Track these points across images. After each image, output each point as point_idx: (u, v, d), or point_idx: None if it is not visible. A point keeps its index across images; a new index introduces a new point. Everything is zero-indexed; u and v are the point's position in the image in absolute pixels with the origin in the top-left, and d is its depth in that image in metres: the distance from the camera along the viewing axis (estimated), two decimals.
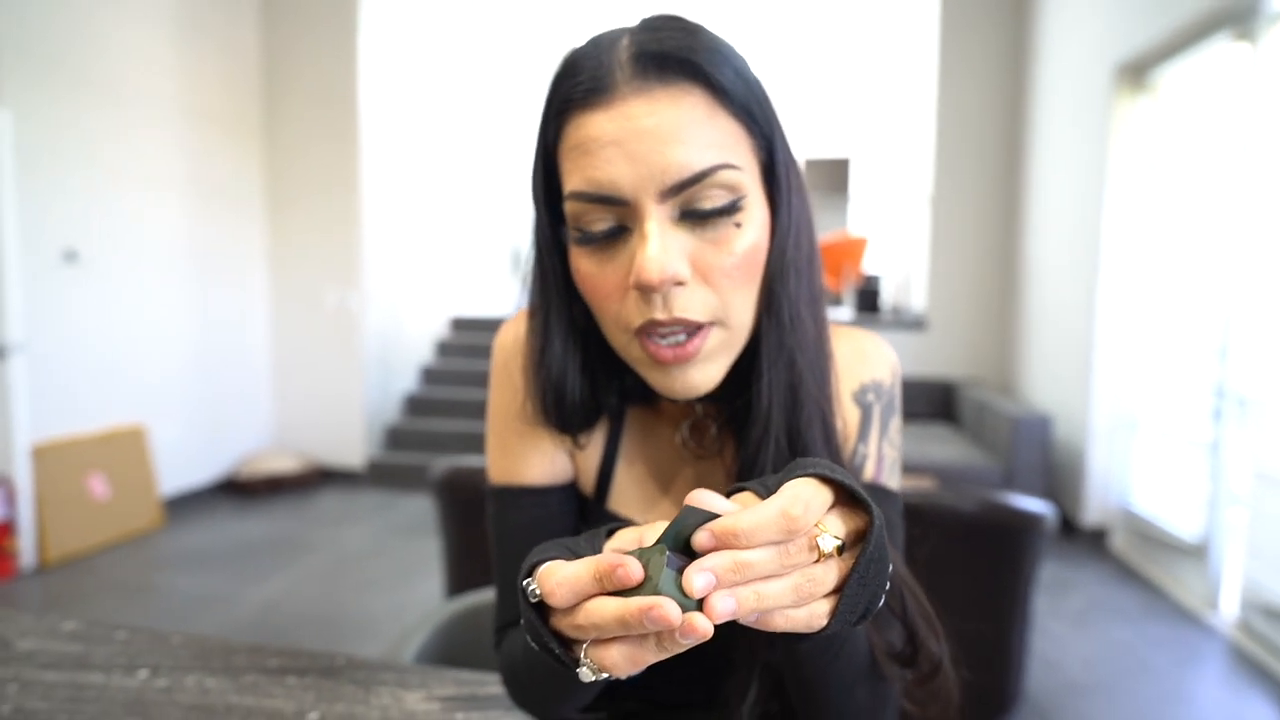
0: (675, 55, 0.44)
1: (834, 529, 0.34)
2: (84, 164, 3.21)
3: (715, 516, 0.33)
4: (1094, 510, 3.22)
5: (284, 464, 4.09)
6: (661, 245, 0.44)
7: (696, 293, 0.46)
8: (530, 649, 0.52)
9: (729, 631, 0.55)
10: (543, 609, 0.36)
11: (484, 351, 5.12)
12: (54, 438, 3.08)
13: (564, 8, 5.53)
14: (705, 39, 0.46)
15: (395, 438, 4.56)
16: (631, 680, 0.62)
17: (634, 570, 0.32)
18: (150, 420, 3.55)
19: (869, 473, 0.56)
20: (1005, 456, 3.17)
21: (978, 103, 4.14)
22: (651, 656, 0.32)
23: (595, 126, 0.45)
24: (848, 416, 0.56)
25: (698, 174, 0.44)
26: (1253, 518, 2.32)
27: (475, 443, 4.36)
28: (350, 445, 4.35)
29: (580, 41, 0.49)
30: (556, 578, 0.33)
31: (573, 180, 0.46)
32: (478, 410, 4.65)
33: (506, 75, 5.91)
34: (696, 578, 0.31)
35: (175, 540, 3.30)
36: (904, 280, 5.32)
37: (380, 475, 4.33)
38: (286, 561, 3.02)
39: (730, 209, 0.46)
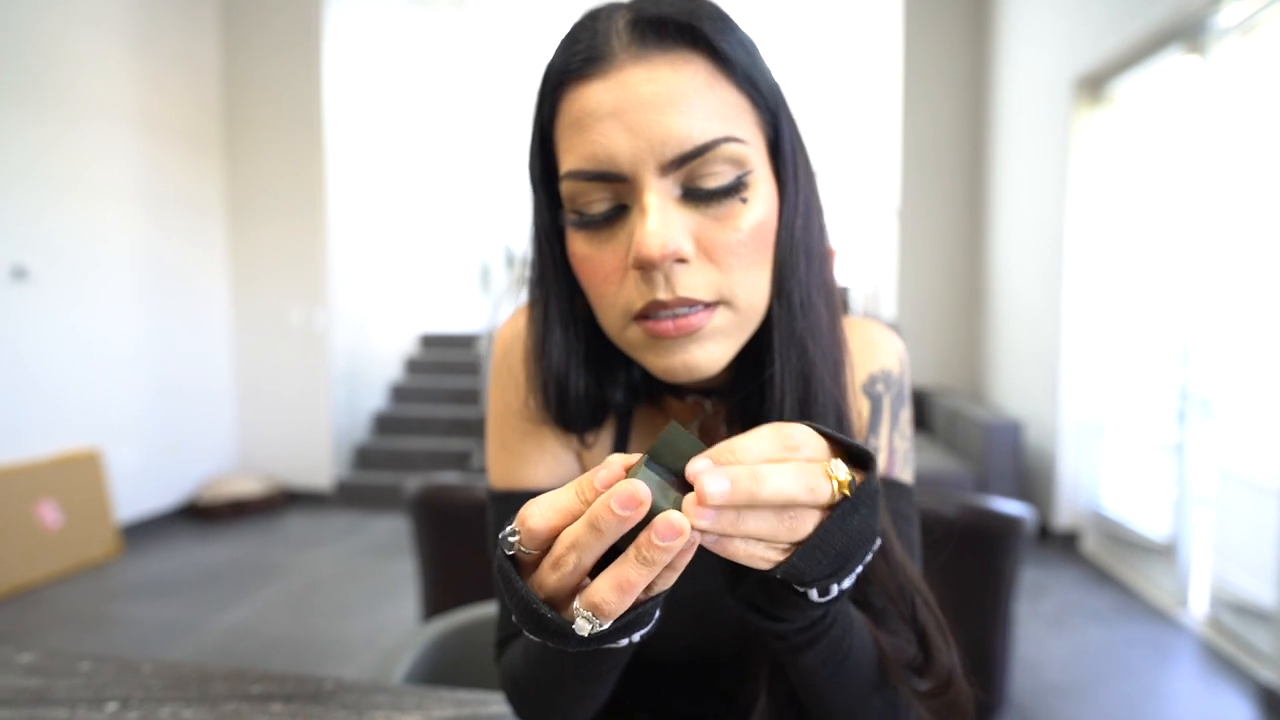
0: (675, 20, 0.42)
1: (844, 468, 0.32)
2: (33, 177, 3.08)
3: (699, 441, 0.31)
4: (1065, 513, 3.28)
5: (248, 487, 3.96)
6: (662, 219, 0.42)
7: (701, 271, 0.44)
8: (531, 649, 0.48)
9: (740, 641, 0.53)
10: (522, 572, 0.33)
11: (454, 368, 5.04)
12: (1, 463, 2.93)
13: (531, 20, 5.53)
14: (707, 6, 0.44)
15: (364, 457, 4.45)
16: (640, 694, 0.59)
17: (616, 470, 0.30)
18: (106, 444, 3.40)
19: (881, 467, 0.55)
20: (978, 463, 3.21)
21: (942, 116, 4.23)
22: (635, 575, 0.29)
23: (592, 98, 0.42)
24: (858, 408, 0.55)
25: (700, 146, 0.42)
26: (1218, 516, 2.37)
27: (447, 460, 4.28)
28: (317, 466, 4.23)
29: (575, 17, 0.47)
30: (537, 504, 0.31)
31: (569, 159, 0.44)
32: (449, 428, 4.56)
33: (474, 88, 5.88)
34: (709, 480, 0.28)
35: (134, 569, 3.15)
36: (873, 291, 5.39)
37: (349, 496, 4.22)
38: (253, 587, 2.91)
39: (736, 186, 0.44)
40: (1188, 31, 2.48)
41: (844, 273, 6.11)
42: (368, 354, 4.64)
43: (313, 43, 4.06)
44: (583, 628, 0.30)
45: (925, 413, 4.11)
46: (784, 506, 0.30)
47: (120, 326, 3.52)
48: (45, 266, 3.13)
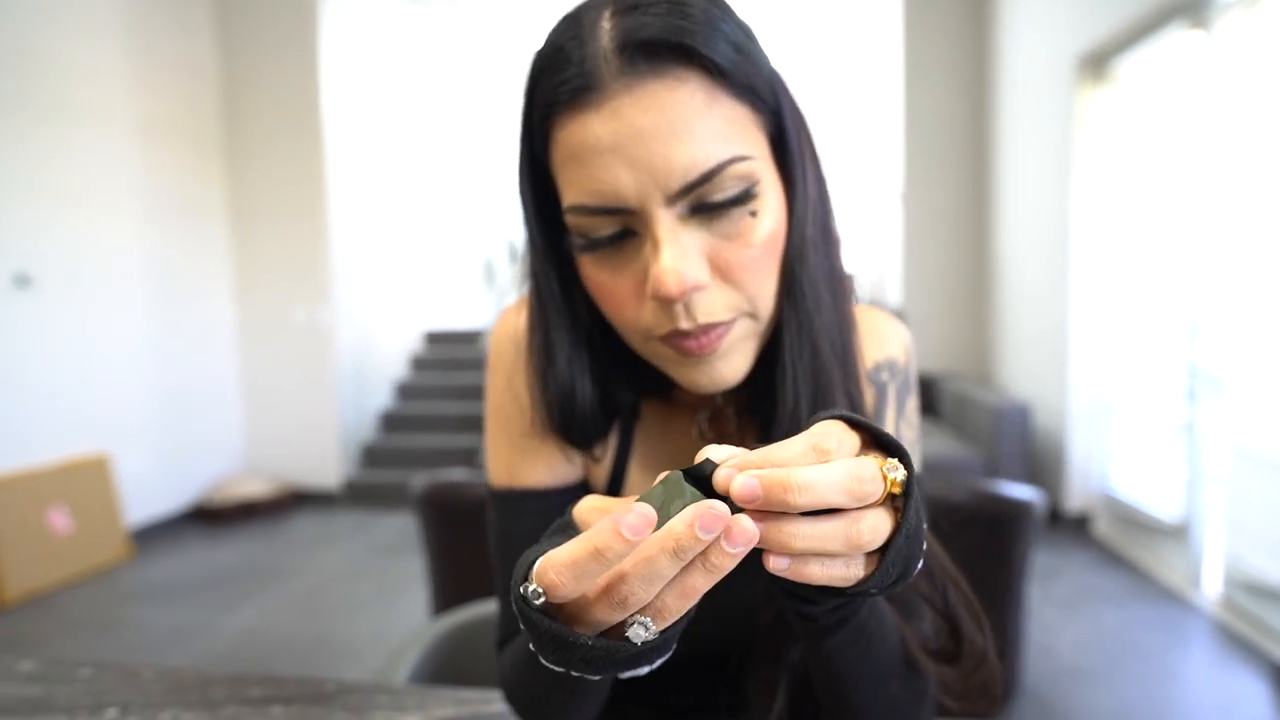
0: (665, 41, 0.40)
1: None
2: (33, 183, 3.09)
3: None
4: (1076, 496, 3.26)
5: (256, 488, 3.97)
6: (676, 253, 0.41)
7: (718, 293, 0.44)
8: (523, 657, 0.47)
9: (747, 636, 0.52)
10: (549, 611, 0.31)
11: (460, 364, 5.04)
12: (10, 471, 2.94)
13: (527, 11, 5.50)
14: (695, 11, 0.41)
15: (371, 456, 4.46)
16: (642, 686, 0.58)
17: (646, 514, 0.27)
18: (114, 448, 3.42)
19: None
20: (987, 447, 3.19)
21: (944, 99, 4.19)
22: (702, 582, 0.28)
23: (587, 131, 0.41)
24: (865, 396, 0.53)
25: (705, 173, 0.40)
26: (1231, 495, 2.35)
27: (455, 457, 4.28)
28: (325, 465, 4.24)
29: (554, 24, 0.44)
30: (555, 565, 0.28)
31: (571, 193, 0.43)
32: (456, 424, 4.57)
33: (473, 83, 5.86)
34: (737, 480, 0.28)
35: (144, 572, 3.17)
36: (879, 277, 5.36)
37: (357, 495, 4.23)
38: (263, 588, 2.92)
39: (743, 198, 0.42)
40: (1191, 6, 2.44)
41: (849, 259, 6.07)
42: (373, 352, 4.64)
43: (309, 42, 4.04)
44: (638, 635, 0.29)
45: (933, 397, 4.09)
46: (832, 509, 0.29)
47: (125, 331, 3.52)
48: (48, 273, 3.14)
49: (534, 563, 0.31)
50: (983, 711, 0.50)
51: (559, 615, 0.31)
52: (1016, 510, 1.64)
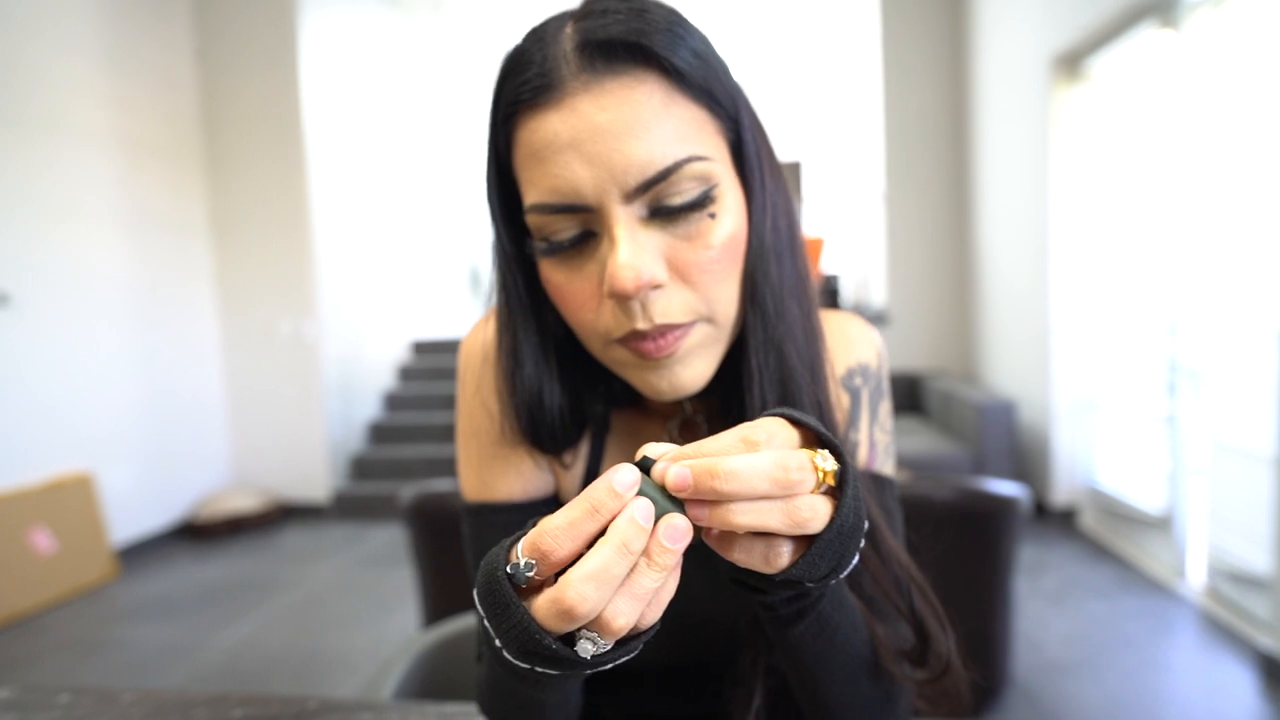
0: (623, 41, 0.41)
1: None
2: (13, 201, 3.05)
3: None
4: (1062, 491, 3.29)
5: (244, 503, 3.94)
6: (633, 249, 0.41)
7: (676, 294, 0.44)
8: (501, 672, 0.47)
9: (724, 638, 0.52)
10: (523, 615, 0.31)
11: (448, 374, 5.02)
12: None
13: (509, 21, 5.51)
14: (655, 17, 0.42)
15: (360, 467, 4.43)
16: (619, 695, 0.58)
17: (635, 472, 0.30)
18: (98, 467, 3.38)
19: (862, 460, 0.54)
20: (973, 444, 3.22)
21: (923, 100, 4.23)
22: (649, 580, 0.30)
23: (547, 129, 0.41)
24: (838, 402, 0.54)
25: (662, 171, 0.41)
26: (1213, 487, 2.38)
27: (444, 467, 4.27)
28: (313, 478, 4.21)
29: (520, 35, 0.45)
30: (550, 530, 0.30)
31: (531, 192, 0.43)
32: (444, 434, 4.55)
33: (454, 91, 5.85)
34: (671, 469, 0.30)
35: (131, 591, 3.13)
36: (863, 277, 5.39)
37: (346, 507, 4.20)
38: (253, 604, 2.89)
39: (702, 201, 0.43)
40: (1161, 6, 2.48)
41: (832, 261, 6.11)
42: (360, 363, 4.61)
43: (289, 54, 4.03)
44: (586, 649, 0.30)
45: (919, 396, 4.12)
46: (760, 496, 0.30)
47: (107, 347, 3.49)
48: (27, 291, 3.10)
49: (510, 548, 0.32)
50: (951, 713, 0.51)
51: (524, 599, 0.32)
52: (1002, 506, 1.66)
